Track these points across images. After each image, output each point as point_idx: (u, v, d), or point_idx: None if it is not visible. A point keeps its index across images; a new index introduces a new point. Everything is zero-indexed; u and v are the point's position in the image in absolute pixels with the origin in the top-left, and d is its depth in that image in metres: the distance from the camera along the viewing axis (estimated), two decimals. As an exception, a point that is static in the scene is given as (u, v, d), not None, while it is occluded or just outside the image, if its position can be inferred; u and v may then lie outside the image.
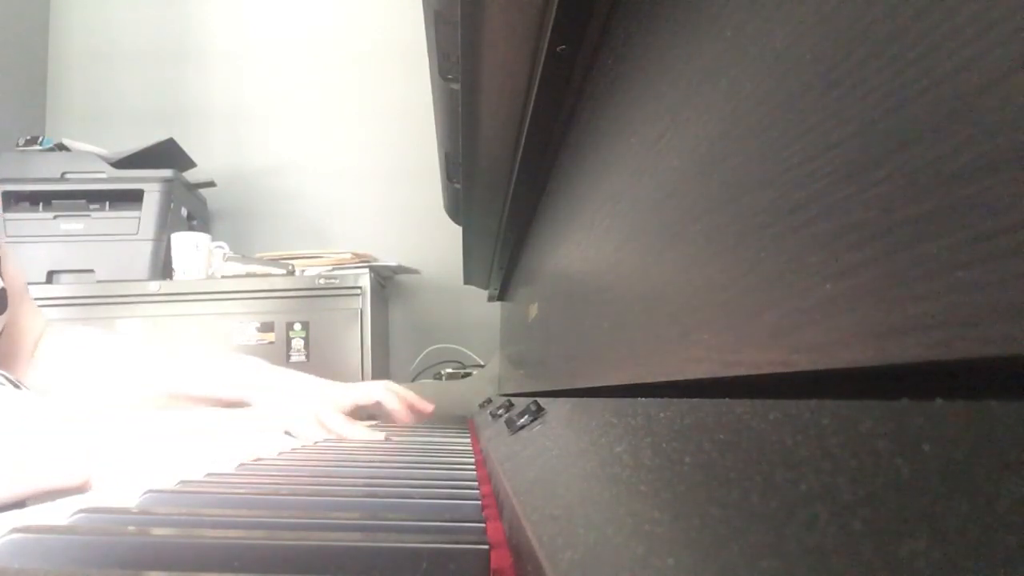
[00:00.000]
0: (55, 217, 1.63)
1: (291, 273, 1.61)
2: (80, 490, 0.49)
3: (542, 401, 0.48)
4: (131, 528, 0.24)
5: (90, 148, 1.70)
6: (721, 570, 0.12)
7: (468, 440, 0.69)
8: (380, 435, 0.70)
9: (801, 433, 0.13)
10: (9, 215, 1.62)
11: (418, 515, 0.29)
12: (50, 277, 1.62)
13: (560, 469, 0.27)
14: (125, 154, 1.68)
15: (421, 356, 1.89)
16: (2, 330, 0.73)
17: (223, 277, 1.61)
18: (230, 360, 0.84)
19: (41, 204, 1.64)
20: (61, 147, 1.72)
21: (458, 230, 1.03)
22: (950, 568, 0.08)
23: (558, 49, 0.42)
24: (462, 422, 1.05)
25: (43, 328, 0.82)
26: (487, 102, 0.55)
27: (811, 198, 0.15)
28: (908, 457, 0.10)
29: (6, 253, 0.74)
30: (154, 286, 1.55)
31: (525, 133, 0.55)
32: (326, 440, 0.70)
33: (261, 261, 1.64)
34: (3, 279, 0.73)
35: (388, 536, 0.23)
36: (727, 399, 0.18)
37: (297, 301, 1.55)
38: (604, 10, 0.38)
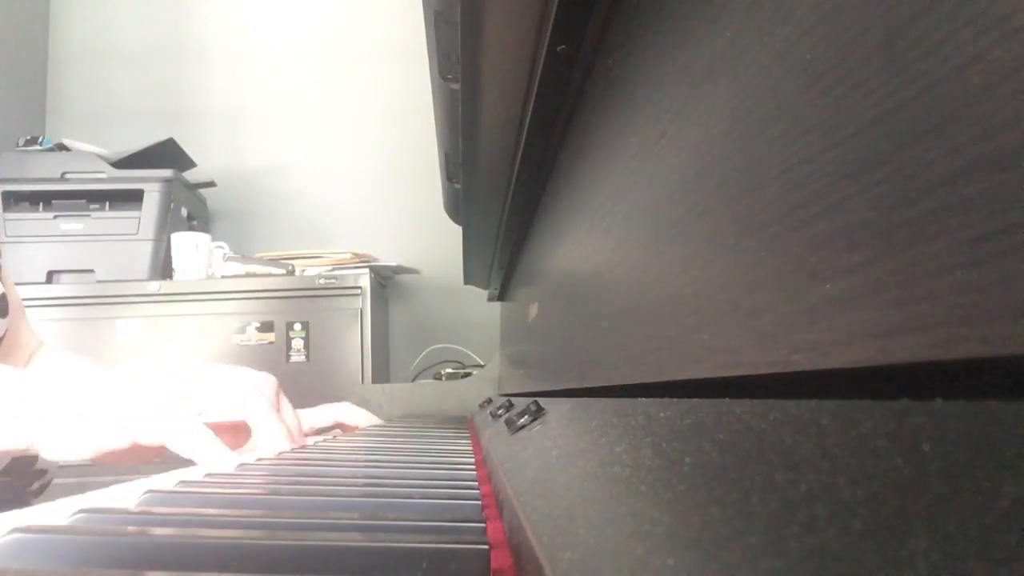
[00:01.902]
0: (55, 217, 1.63)
1: (291, 273, 1.61)
2: (25, 454, 0.54)
3: (542, 401, 0.48)
4: (131, 528, 0.24)
5: (90, 148, 1.70)
6: (721, 570, 0.12)
7: (468, 440, 0.69)
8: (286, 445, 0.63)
9: (801, 433, 0.13)
10: (9, 215, 1.62)
11: (418, 515, 0.29)
12: (50, 277, 1.62)
13: (560, 469, 0.27)
14: (125, 154, 1.68)
15: (421, 356, 1.90)
16: (2, 337, 0.73)
17: (223, 277, 1.61)
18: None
19: (41, 204, 1.64)
20: (61, 147, 1.72)
21: (458, 230, 1.03)
22: (950, 568, 0.08)
23: (558, 49, 0.42)
24: (462, 422, 1.05)
25: (37, 346, 0.83)
26: (487, 102, 0.55)
27: (811, 198, 0.15)
28: (908, 457, 0.10)
29: (5, 263, 0.75)
30: (154, 286, 1.56)
31: (525, 133, 0.55)
32: (325, 440, 0.70)
33: (261, 261, 1.65)
34: (3, 285, 0.73)
35: (388, 536, 0.23)
36: (727, 399, 0.18)
37: (297, 301, 1.55)
38: (604, 10, 0.38)
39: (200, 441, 0.53)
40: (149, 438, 0.53)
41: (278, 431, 0.61)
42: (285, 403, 0.70)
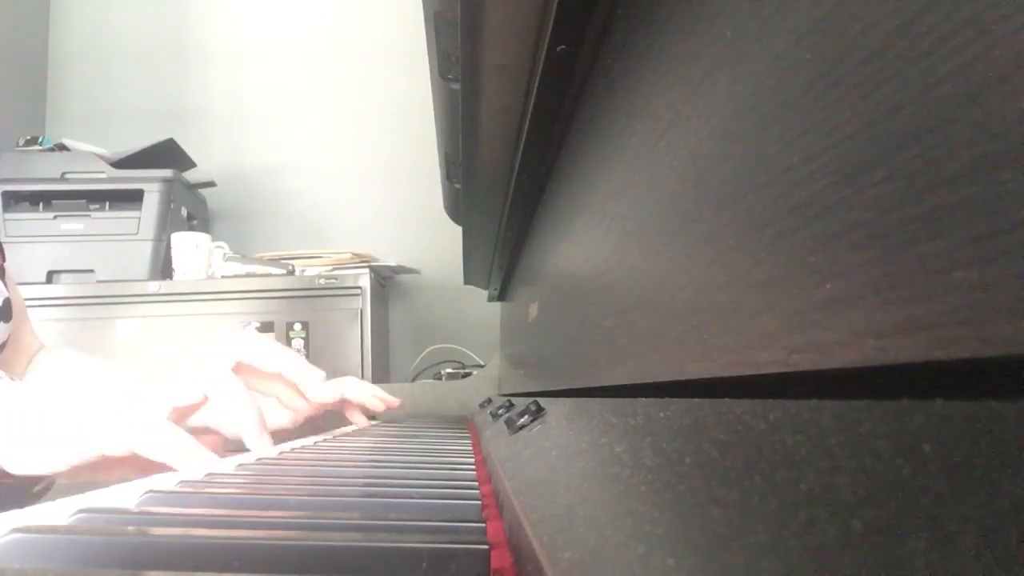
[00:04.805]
0: (55, 217, 1.63)
1: (291, 273, 1.61)
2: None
3: (542, 401, 0.48)
4: (131, 528, 0.24)
5: (90, 148, 1.70)
6: (721, 570, 0.12)
7: (468, 440, 0.69)
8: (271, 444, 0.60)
9: (801, 433, 0.13)
10: (9, 215, 1.62)
11: (418, 515, 0.29)
12: (50, 277, 1.62)
13: (560, 469, 0.27)
14: (125, 154, 1.68)
15: (421, 356, 1.89)
16: (6, 341, 0.73)
17: (223, 277, 1.61)
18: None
19: (41, 204, 1.64)
20: (61, 147, 1.72)
21: (458, 230, 1.03)
22: (950, 568, 0.08)
23: (558, 49, 0.42)
24: (462, 422, 1.05)
25: (38, 348, 0.83)
26: (487, 102, 0.55)
27: (811, 198, 0.15)
28: (908, 457, 0.10)
29: (9, 265, 0.75)
30: (154, 286, 1.55)
31: (525, 133, 0.55)
32: (325, 440, 0.70)
33: (261, 261, 1.64)
34: (8, 290, 0.74)
35: (388, 536, 0.23)
36: (727, 399, 0.18)
37: (297, 301, 1.55)
38: (604, 10, 0.38)
39: (172, 444, 0.48)
40: (115, 448, 0.49)
41: (254, 424, 0.57)
42: (255, 379, 0.67)
